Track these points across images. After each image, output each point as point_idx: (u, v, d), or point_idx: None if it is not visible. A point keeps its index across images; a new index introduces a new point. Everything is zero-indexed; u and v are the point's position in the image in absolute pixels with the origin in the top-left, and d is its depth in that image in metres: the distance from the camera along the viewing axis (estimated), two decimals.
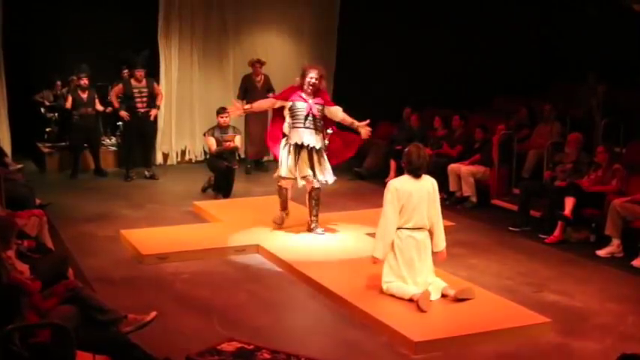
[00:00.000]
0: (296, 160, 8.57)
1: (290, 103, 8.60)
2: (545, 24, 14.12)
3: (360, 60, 14.58)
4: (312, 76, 8.52)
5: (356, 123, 8.84)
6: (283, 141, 8.69)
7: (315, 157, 8.62)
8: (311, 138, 8.55)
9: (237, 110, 9.33)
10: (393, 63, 14.64)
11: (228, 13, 14.10)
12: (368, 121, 8.87)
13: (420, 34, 14.64)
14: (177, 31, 13.72)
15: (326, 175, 8.71)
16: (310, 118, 8.53)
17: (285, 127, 8.68)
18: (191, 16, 13.82)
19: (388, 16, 14.62)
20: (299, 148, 8.55)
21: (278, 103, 8.80)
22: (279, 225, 9.00)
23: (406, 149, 6.81)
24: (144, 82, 12.34)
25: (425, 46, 14.71)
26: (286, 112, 8.65)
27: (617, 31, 12.75)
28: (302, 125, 8.54)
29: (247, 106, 9.33)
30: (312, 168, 8.61)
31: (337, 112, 8.79)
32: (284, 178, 8.69)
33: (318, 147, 8.63)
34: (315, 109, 8.55)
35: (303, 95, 8.57)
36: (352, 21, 14.57)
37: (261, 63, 13.15)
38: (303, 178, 8.60)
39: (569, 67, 13.31)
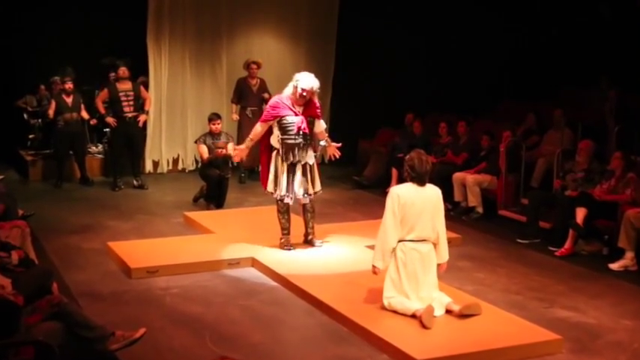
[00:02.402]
0: (291, 178, 8.53)
1: (279, 117, 8.46)
2: (555, 25, 14.14)
3: (360, 63, 14.61)
4: (303, 88, 8.36)
5: (329, 141, 8.87)
6: (273, 154, 8.57)
7: (309, 172, 8.63)
8: (304, 154, 8.53)
9: (242, 153, 8.95)
10: (394, 66, 14.67)
11: (221, 14, 14.11)
12: (339, 145, 8.85)
13: (423, 37, 14.69)
14: (167, 33, 13.73)
15: (317, 186, 8.74)
16: (301, 132, 8.47)
17: (274, 140, 8.56)
18: (183, 17, 13.83)
19: (389, 18, 14.66)
20: (294, 165, 8.53)
21: (269, 121, 8.55)
22: (292, 246, 8.79)
23: (407, 156, 6.83)
24: (130, 84, 12.36)
25: (428, 48, 14.76)
26: (274, 124, 8.53)
27: (631, 32, 12.78)
28: (293, 140, 8.47)
29: (248, 143, 8.78)
30: (306, 183, 8.60)
31: (321, 127, 8.79)
32: (284, 196, 8.56)
33: (311, 162, 8.65)
34: (305, 125, 8.49)
35: (295, 107, 8.47)
36: (352, 22, 14.59)
37: (258, 64, 13.07)
38: (301, 196, 8.59)
39: (580, 70, 13.32)
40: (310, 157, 8.63)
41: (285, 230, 8.82)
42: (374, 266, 6.80)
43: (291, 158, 8.48)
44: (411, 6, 14.61)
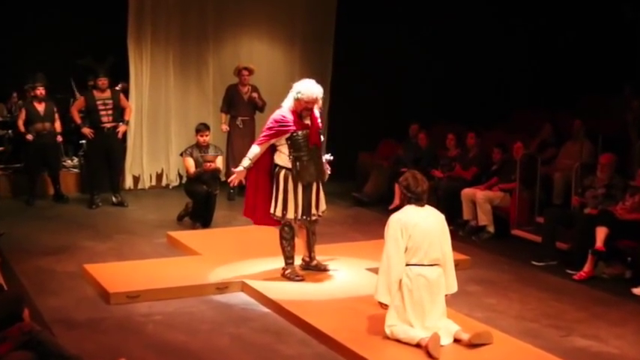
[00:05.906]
0: (305, 199, 8.35)
1: (288, 134, 8.24)
2: (573, 27, 14.21)
3: (360, 68, 14.65)
4: (307, 99, 8.13)
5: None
6: (282, 174, 8.31)
7: (321, 189, 8.58)
8: (317, 171, 8.42)
9: (241, 175, 8.38)
10: (398, 72, 14.71)
11: (208, 14, 14.17)
12: (332, 158, 8.66)
13: (429, 40, 14.74)
14: (149, 35, 13.78)
15: (323, 204, 8.67)
16: (313, 146, 8.37)
17: (281, 159, 8.31)
18: (166, 18, 13.89)
19: (393, 19, 14.72)
20: (310, 183, 8.38)
21: (273, 140, 8.29)
22: (302, 276, 8.58)
23: (400, 179, 6.87)
24: (108, 92, 12.39)
25: (435, 53, 14.80)
26: (282, 142, 8.27)
27: None
28: (307, 157, 8.29)
29: (246, 164, 8.31)
30: (317, 202, 8.53)
31: (320, 139, 8.70)
32: (294, 220, 8.39)
33: (325, 178, 8.62)
34: (318, 138, 8.42)
35: (302, 120, 8.27)
36: (351, 23, 14.64)
37: (250, 70, 13.14)
38: (313, 216, 8.47)
39: (601, 77, 13.38)
40: (325, 172, 8.58)
41: (290, 260, 8.58)
42: (380, 302, 6.78)
43: (308, 177, 8.31)
44: (416, 6, 14.66)
